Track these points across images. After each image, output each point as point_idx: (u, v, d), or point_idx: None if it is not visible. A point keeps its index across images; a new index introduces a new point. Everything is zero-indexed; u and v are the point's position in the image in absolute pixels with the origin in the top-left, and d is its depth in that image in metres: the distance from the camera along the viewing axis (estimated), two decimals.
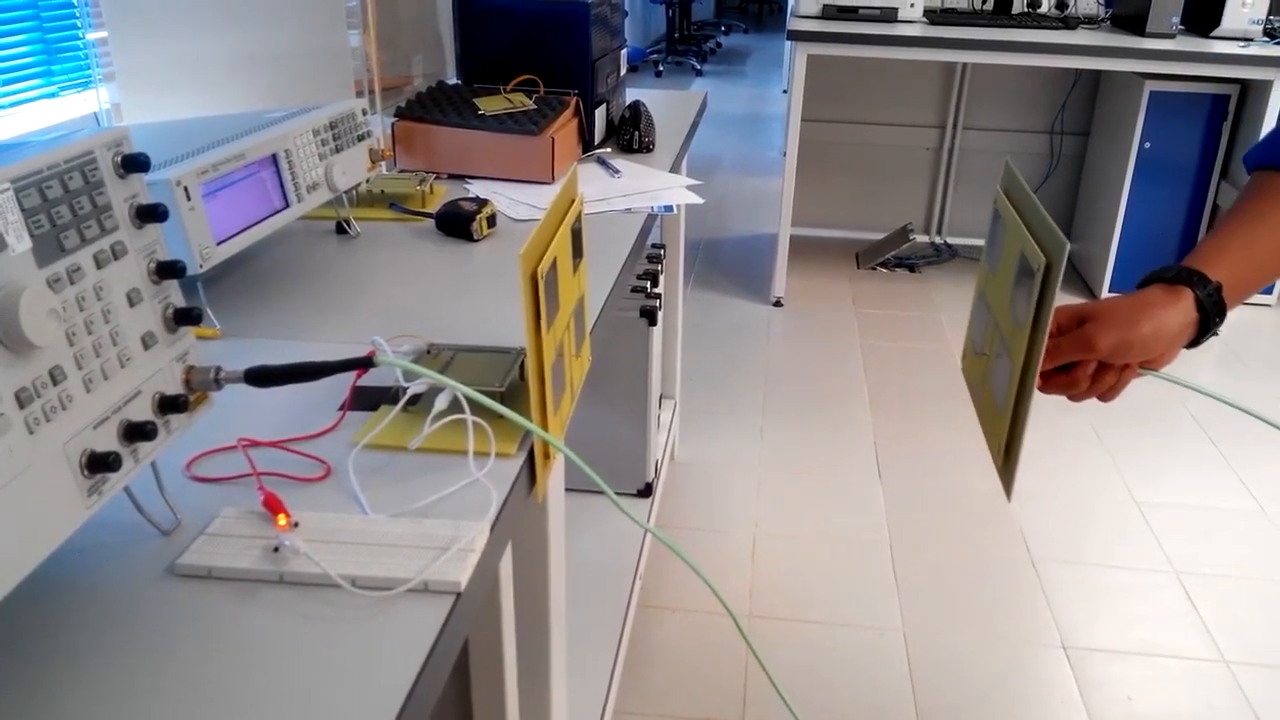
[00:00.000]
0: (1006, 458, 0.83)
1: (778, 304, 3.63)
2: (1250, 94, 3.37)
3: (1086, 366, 0.83)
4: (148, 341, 0.60)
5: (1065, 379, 0.84)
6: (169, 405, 0.60)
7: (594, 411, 2.14)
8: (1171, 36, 3.34)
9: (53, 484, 0.52)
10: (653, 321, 2.03)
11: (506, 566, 0.80)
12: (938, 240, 4.23)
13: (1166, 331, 0.81)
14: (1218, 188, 3.53)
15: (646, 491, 2.19)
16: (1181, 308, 0.81)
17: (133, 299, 0.59)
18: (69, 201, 0.54)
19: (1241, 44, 3.30)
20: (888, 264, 4.01)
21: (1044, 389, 0.84)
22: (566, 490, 1.05)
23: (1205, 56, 3.19)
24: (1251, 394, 3.00)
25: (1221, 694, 1.87)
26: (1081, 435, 2.76)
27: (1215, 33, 3.38)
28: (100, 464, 0.54)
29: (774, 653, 1.95)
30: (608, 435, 2.14)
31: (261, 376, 0.63)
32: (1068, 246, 0.71)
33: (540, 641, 0.93)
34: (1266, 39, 3.35)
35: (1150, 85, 3.40)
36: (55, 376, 0.52)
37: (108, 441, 0.56)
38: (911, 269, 4.00)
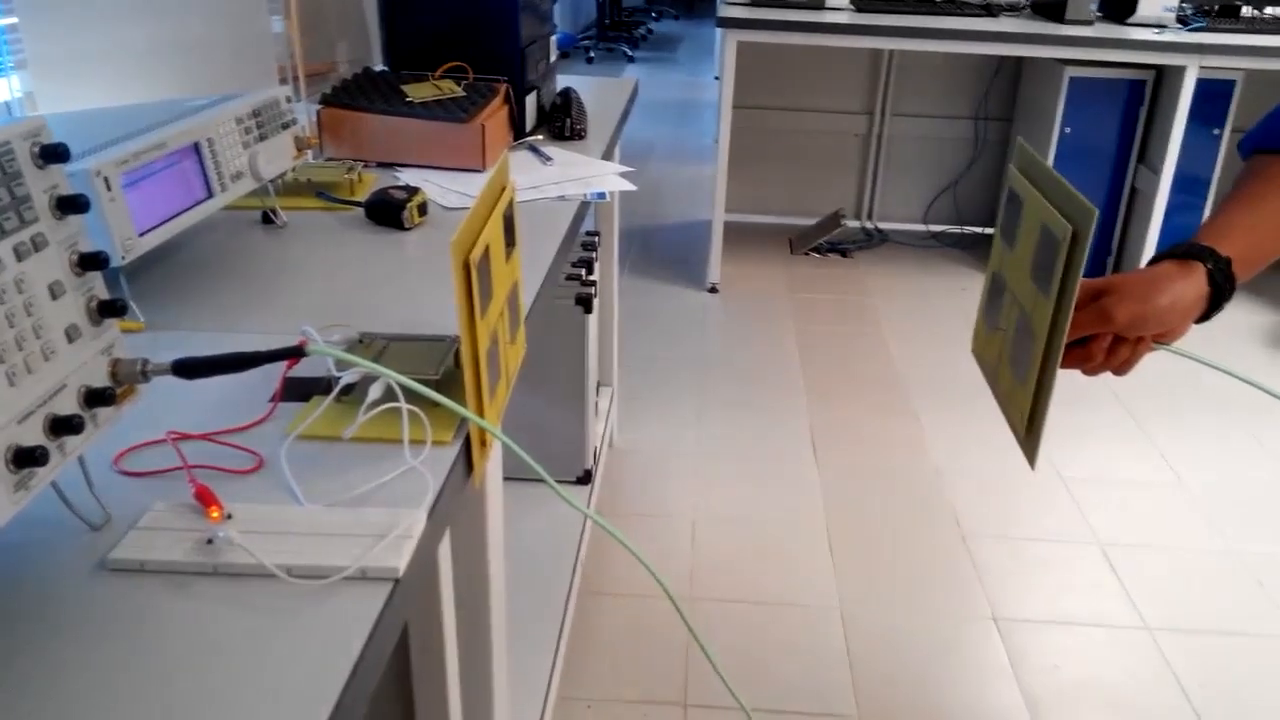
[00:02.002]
0: (1030, 428, 0.84)
1: (713, 290, 3.65)
2: (1165, 79, 3.47)
3: (1103, 340, 0.85)
4: (72, 334, 0.59)
5: (1081, 352, 0.86)
6: (95, 398, 0.59)
7: (531, 399, 2.14)
8: (1089, 23, 3.42)
9: None
10: (588, 309, 2.03)
11: (445, 553, 0.80)
12: (868, 225, 4.29)
13: (1181, 304, 0.83)
14: (1135, 171, 3.63)
15: (586, 479, 2.19)
16: (1195, 281, 0.84)
17: (55, 291, 0.58)
18: None
19: (1156, 30, 3.40)
20: (820, 249, 4.06)
21: (1061, 365, 0.86)
22: (505, 479, 1.05)
23: (1122, 43, 3.28)
24: (1171, 366, 3.10)
25: (1143, 659, 1.94)
26: None
27: (1131, 20, 3.48)
28: (26, 459, 0.53)
29: (714, 634, 1.97)
30: (546, 423, 2.14)
31: (189, 368, 0.63)
32: (1095, 214, 0.72)
33: (480, 627, 0.93)
34: (1180, 25, 3.45)
35: (1069, 71, 3.49)
36: None
37: (34, 436, 0.55)
38: (844, 254, 4.05)
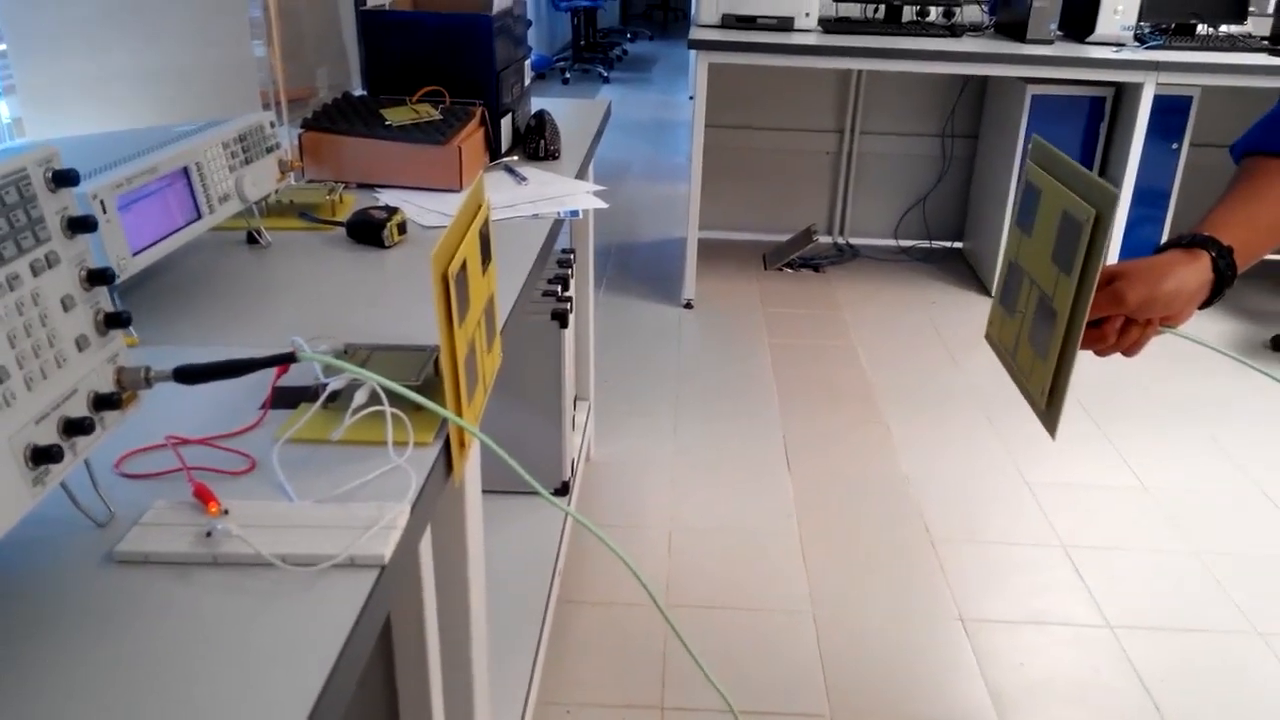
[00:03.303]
0: (1050, 400, 0.90)
1: (688, 306, 3.72)
2: (1124, 95, 3.58)
3: (1115, 321, 0.91)
4: (81, 344, 0.64)
5: (1095, 333, 0.92)
6: (103, 403, 0.65)
7: (510, 413, 2.19)
8: (1050, 42, 3.53)
9: (1, 473, 0.56)
10: (564, 324, 2.09)
11: (426, 548, 0.85)
12: (840, 241, 4.37)
13: (1186, 289, 0.90)
14: None
15: (563, 490, 2.24)
16: (1199, 267, 0.91)
17: (66, 304, 0.63)
18: (6, 214, 0.58)
19: (1115, 49, 3.50)
20: (793, 265, 4.14)
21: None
22: (485, 492, 1.10)
23: (1081, 61, 3.38)
24: (1134, 373, 3.19)
25: (1106, 656, 2.01)
26: (976, 423, 2.90)
27: (1090, 38, 3.58)
28: (43, 456, 0.58)
29: (692, 639, 2.02)
30: (524, 436, 2.20)
31: (189, 374, 0.68)
32: (1117, 196, 0.79)
33: (460, 618, 0.98)
34: (1137, 44, 3.56)
35: (1032, 89, 3.59)
36: (0, 376, 0.56)
37: (49, 436, 0.60)
38: (816, 269, 4.13)
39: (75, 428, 0.62)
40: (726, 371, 3.21)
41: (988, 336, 1.10)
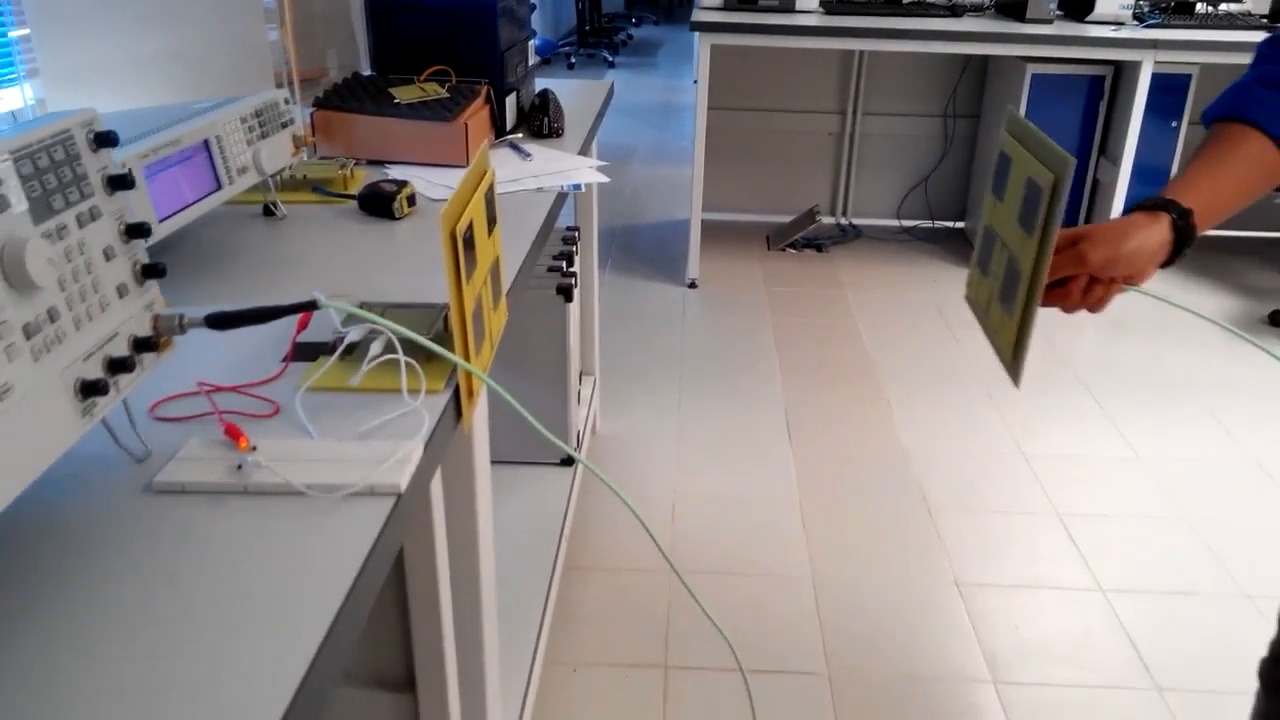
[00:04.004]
0: (1015, 352, 0.97)
1: (692, 285, 3.77)
2: (1123, 74, 3.61)
3: (1080, 280, 0.97)
4: (122, 291, 0.70)
5: (1061, 292, 0.98)
6: (142, 345, 0.71)
7: (516, 386, 2.25)
8: (1049, 22, 3.56)
9: (54, 404, 0.62)
10: (569, 298, 2.14)
11: (438, 488, 0.91)
12: (843, 221, 4.42)
13: (1147, 248, 0.95)
14: (1097, 163, 3.77)
15: (569, 461, 2.30)
16: (1159, 229, 0.96)
17: (108, 254, 0.69)
18: (54, 170, 0.64)
19: (1113, 27, 3.54)
20: (796, 245, 4.19)
21: (1043, 303, 0.98)
22: (493, 463, 1.16)
23: (1080, 40, 3.42)
24: (1132, 352, 3.24)
25: (1098, 618, 2.06)
26: (975, 398, 2.95)
27: (1090, 18, 3.62)
28: (91, 389, 0.64)
29: (693, 603, 2.09)
30: (530, 408, 2.23)
31: (220, 320, 0.74)
32: (1073, 162, 0.85)
33: (470, 560, 1.05)
34: (1136, 22, 3.60)
35: (1032, 68, 3.63)
36: (52, 315, 0.62)
37: (95, 371, 0.66)
38: (819, 249, 4.18)
39: (118, 366, 0.68)
40: (730, 349, 3.27)
41: (967, 298, 1.15)
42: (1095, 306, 0.99)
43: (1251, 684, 1.20)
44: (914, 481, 2.53)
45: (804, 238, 4.19)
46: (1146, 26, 3.55)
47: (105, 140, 0.69)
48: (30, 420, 0.60)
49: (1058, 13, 3.61)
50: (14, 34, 1.60)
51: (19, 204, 0.60)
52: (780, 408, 2.89)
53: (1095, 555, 2.26)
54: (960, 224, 4.38)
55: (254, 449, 0.76)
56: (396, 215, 1.39)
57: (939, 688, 1.88)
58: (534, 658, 1.77)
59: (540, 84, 2.16)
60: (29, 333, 0.60)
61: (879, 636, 2.00)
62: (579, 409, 2.42)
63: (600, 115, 2.16)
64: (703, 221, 3.74)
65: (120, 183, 0.70)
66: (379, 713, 1.16)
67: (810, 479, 2.53)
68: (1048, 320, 3.44)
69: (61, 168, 0.65)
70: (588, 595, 2.11)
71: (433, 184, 1.57)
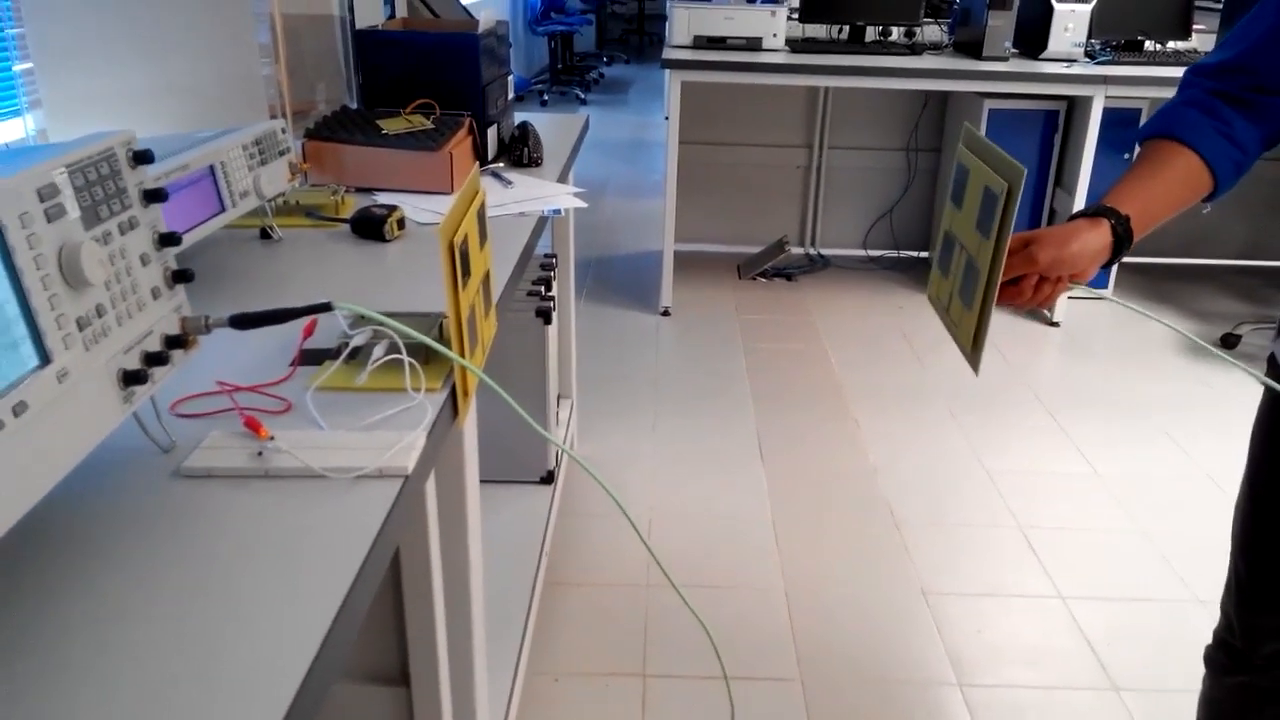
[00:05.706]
0: (974, 343, 1.06)
1: (665, 313, 3.87)
2: (1076, 109, 3.77)
3: (1030, 279, 1.08)
4: (155, 293, 0.77)
5: (1013, 290, 1.09)
6: (173, 342, 0.78)
7: (498, 407, 2.32)
8: (1005, 59, 3.71)
9: (102, 389, 0.69)
10: (548, 320, 2.23)
11: (431, 490, 0.98)
12: (811, 251, 4.54)
13: (1089, 250, 1.06)
14: (1053, 193, 3.91)
15: (549, 479, 2.38)
16: (1100, 232, 1.07)
17: (144, 260, 0.76)
18: (100, 184, 0.72)
19: (1066, 64, 3.69)
20: (766, 274, 4.30)
21: (998, 302, 1.08)
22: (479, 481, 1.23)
23: (1035, 76, 3.57)
24: (1091, 374, 3.36)
25: (1058, 623, 2.15)
26: (940, 418, 3.06)
27: (1043, 55, 3.78)
28: (132, 379, 0.72)
29: (670, 615, 2.16)
30: (511, 427, 2.33)
31: (243, 320, 0.81)
32: (1024, 171, 0.95)
33: (460, 560, 1.12)
34: (1088, 59, 3.76)
35: (989, 104, 3.78)
36: (99, 311, 0.70)
37: (134, 363, 0.73)
38: (788, 278, 4.29)
39: (153, 359, 0.75)
40: (703, 373, 3.36)
41: (929, 297, 1.25)
42: (1044, 303, 1.11)
43: None
44: (881, 496, 2.62)
45: (774, 267, 4.31)
46: (1098, 63, 3.70)
47: (142, 158, 0.77)
48: (82, 402, 0.67)
49: (1013, 50, 3.76)
50: (17, 68, 1.67)
51: (73, 211, 0.68)
52: (752, 428, 2.98)
53: (1055, 564, 2.35)
54: (924, 254, 4.51)
55: (272, 438, 0.83)
56: (387, 238, 1.48)
57: (907, 691, 1.96)
58: (517, 668, 1.83)
59: (517, 118, 2.26)
60: (81, 325, 0.67)
61: (850, 643, 2.08)
62: (558, 430, 2.49)
63: (577, 146, 2.26)
64: (675, 252, 3.84)
65: (154, 196, 0.78)
66: (375, 706, 1.22)
67: (782, 496, 2.62)
68: (1009, 341, 3.57)
69: (106, 181, 0.73)
70: (568, 608, 2.17)
71: (419, 209, 1.65)
